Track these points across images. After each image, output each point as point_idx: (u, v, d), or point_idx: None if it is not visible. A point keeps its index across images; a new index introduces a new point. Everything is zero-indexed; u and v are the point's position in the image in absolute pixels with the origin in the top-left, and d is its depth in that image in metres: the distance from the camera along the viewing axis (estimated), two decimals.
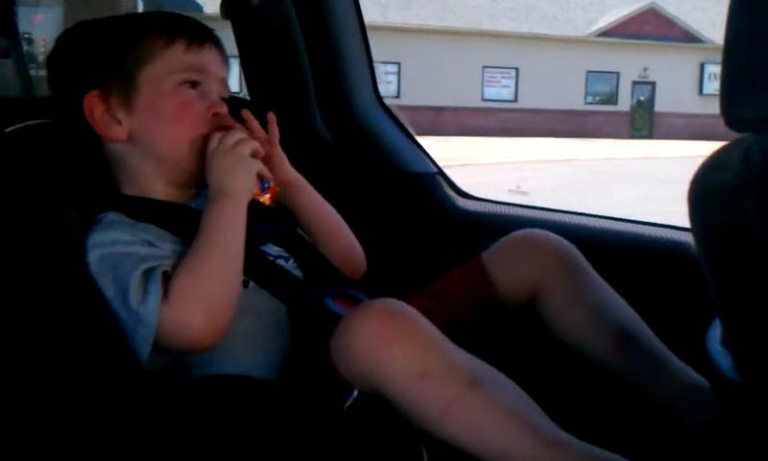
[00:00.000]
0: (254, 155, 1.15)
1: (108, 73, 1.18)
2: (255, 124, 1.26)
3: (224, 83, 1.24)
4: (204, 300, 1.05)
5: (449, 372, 0.99)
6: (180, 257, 1.09)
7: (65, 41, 1.25)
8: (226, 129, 1.17)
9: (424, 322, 1.03)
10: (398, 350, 0.99)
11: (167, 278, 1.05)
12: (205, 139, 1.17)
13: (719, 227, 0.67)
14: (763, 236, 0.62)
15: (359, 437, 0.99)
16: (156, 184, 1.20)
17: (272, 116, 1.28)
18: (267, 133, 1.27)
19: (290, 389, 1.04)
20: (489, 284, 1.27)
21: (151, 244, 1.11)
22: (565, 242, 1.28)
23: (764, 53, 0.63)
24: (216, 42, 1.25)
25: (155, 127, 1.18)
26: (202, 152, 1.16)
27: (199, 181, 1.21)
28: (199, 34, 1.22)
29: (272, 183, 1.20)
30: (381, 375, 0.99)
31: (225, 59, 1.26)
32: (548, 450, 0.96)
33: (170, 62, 1.18)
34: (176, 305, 1.03)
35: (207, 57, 1.21)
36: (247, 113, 1.25)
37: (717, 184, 0.67)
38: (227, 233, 1.10)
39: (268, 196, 1.20)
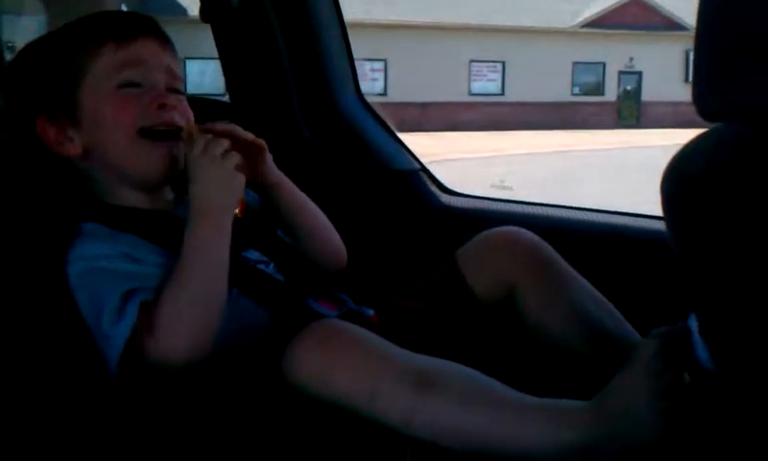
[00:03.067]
0: (238, 169, 1.12)
1: (51, 96, 1.17)
2: (240, 129, 1.21)
3: (170, 71, 1.20)
4: (189, 326, 1.02)
5: (398, 384, 0.98)
6: (164, 277, 1.06)
7: (11, 69, 1.24)
8: (208, 132, 1.12)
9: (363, 337, 1.03)
10: (341, 375, 0.98)
11: (148, 305, 1.03)
12: (154, 132, 1.14)
13: (691, 215, 0.67)
14: (733, 225, 0.62)
15: (341, 439, 0.99)
16: (125, 193, 1.18)
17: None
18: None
19: (269, 390, 1.04)
20: (463, 282, 1.27)
21: (132, 258, 1.10)
22: (537, 239, 1.26)
23: (733, 45, 0.63)
24: (153, 31, 1.20)
25: (101, 136, 1.16)
26: (153, 148, 1.14)
27: (165, 182, 1.20)
28: (129, 30, 1.18)
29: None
30: (334, 399, 0.99)
31: (167, 46, 1.22)
32: (510, 415, 0.97)
33: (103, 68, 1.15)
34: (160, 335, 1.01)
35: (142, 47, 1.17)
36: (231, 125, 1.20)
37: (690, 173, 0.67)
38: (211, 253, 1.07)
39: (238, 209, 1.17)
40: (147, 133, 1.15)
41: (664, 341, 0.94)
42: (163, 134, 1.16)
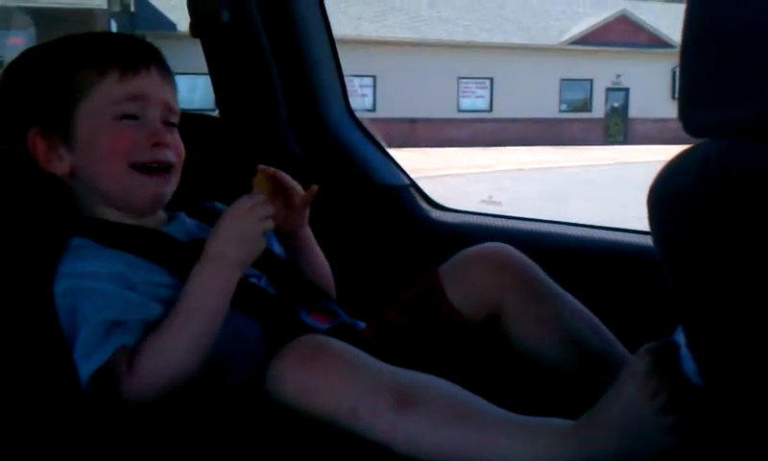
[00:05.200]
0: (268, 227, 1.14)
1: (46, 111, 1.16)
2: (294, 182, 1.25)
3: (167, 105, 1.20)
4: (170, 373, 1.03)
5: (379, 401, 0.98)
6: (154, 315, 1.07)
7: (6, 76, 1.23)
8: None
9: (346, 353, 1.02)
10: (322, 391, 0.99)
11: (128, 350, 1.03)
12: (146, 167, 1.15)
13: (678, 230, 0.68)
14: (720, 239, 0.63)
15: (330, 449, 0.99)
16: (111, 213, 1.18)
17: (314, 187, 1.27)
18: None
19: (260, 402, 1.04)
20: (444, 299, 1.25)
21: (124, 279, 1.09)
22: (521, 255, 1.24)
23: (717, 61, 0.64)
24: (156, 61, 1.20)
25: (92, 163, 1.16)
26: (143, 182, 1.15)
27: (152, 211, 1.21)
28: (133, 59, 1.18)
29: None
30: (316, 415, 0.99)
31: (168, 78, 1.23)
32: (493, 433, 0.97)
33: (103, 96, 1.15)
34: (139, 379, 1.01)
35: (145, 82, 1.17)
36: (284, 178, 1.24)
37: (676, 189, 0.68)
38: (211, 308, 1.07)
39: None
40: (138, 167, 1.15)
41: (655, 356, 0.94)
42: (154, 169, 1.17)
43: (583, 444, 0.95)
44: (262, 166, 1.22)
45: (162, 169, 1.18)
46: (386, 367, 1.03)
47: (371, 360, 1.03)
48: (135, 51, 1.20)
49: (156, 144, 1.16)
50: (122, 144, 1.15)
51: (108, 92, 1.15)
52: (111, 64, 1.16)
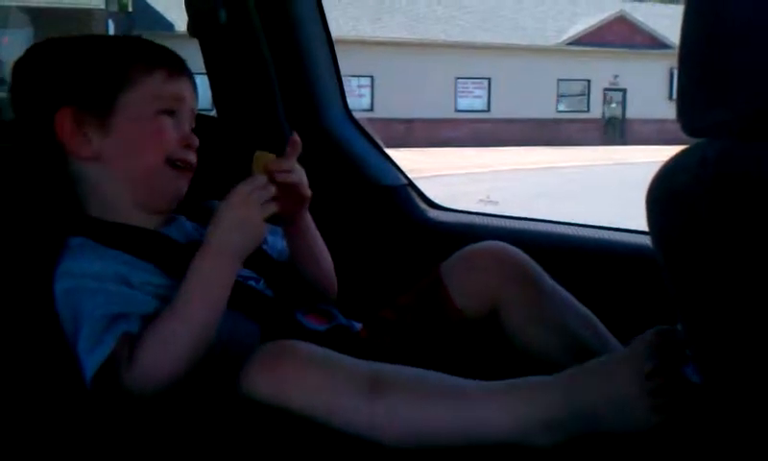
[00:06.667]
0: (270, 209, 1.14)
1: (86, 91, 1.18)
2: (303, 175, 1.24)
3: (193, 114, 1.26)
4: (170, 365, 1.03)
5: (352, 396, 0.99)
6: (153, 308, 1.07)
7: (35, 56, 1.24)
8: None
9: (313, 355, 1.02)
10: (294, 395, 0.98)
11: (131, 336, 1.04)
12: (172, 166, 1.19)
13: (676, 229, 0.68)
14: (717, 238, 0.63)
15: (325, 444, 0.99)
16: (126, 207, 1.19)
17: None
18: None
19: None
20: (446, 295, 1.26)
21: (124, 278, 1.10)
22: (521, 254, 1.25)
23: (717, 62, 0.64)
24: (190, 75, 1.27)
25: (131, 152, 1.18)
26: (173, 177, 1.20)
27: (169, 207, 1.22)
28: (177, 65, 1.24)
29: None
30: (295, 414, 0.98)
31: (195, 89, 1.28)
32: (470, 401, 0.99)
33: (151, 90, 1.19)
34: (139, 370, 1.02)
35: (184, 86, 1.23)
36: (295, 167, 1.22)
37: (674, 188, 0.68)
38: (213, 295, 1.08)
39: None
40: (172, 163, 1.20)
41: (659, 339, 0.95)
42: (181, 167, 1.21)
43: (566, 392, 0.97)
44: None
45: (187, 168, 1.23)
46: (362, 362, 1.03)
47: (338, 356, 1.03)
48: (177, 59, 1.26)
49: (188, 146, 1.21)
50: (162, 137, 1.19)
51: (154, 88, 1.19)
52: (160, 64, 1.21)
